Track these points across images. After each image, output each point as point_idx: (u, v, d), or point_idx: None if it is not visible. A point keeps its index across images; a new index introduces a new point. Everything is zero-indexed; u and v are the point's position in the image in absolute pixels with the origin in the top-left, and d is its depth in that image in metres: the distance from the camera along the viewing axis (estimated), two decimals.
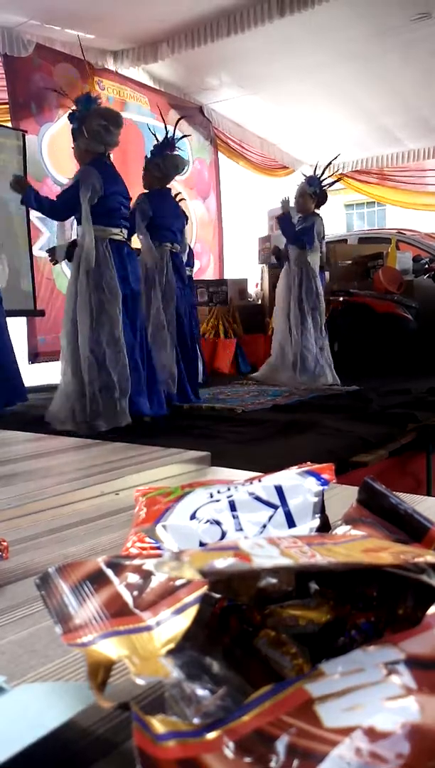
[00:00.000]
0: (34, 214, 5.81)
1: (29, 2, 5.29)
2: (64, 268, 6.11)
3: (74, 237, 3.50)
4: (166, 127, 4.27)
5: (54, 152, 6.05)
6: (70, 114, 3.33)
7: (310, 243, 4.78)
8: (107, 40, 6.35)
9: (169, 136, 4.20)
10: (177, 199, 4.56)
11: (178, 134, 4.29)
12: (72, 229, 3.64)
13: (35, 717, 0.40)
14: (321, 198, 4.91)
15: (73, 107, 3.36)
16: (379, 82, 6.80)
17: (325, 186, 4.91)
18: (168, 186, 4.18)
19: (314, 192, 4.88)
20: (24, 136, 5.58)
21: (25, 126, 5.77)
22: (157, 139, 4.29)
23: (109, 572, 0.48)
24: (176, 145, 4.33)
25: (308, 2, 5.27)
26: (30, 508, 1.09)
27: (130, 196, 3.48)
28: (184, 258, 4.35)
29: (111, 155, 3.46)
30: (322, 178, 4.91)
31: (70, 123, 3.30)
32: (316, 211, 4.96)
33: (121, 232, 3.31)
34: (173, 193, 4.79)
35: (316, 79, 6.72)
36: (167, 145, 4.16)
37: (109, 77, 6.64)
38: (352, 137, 8.21)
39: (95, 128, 3.22)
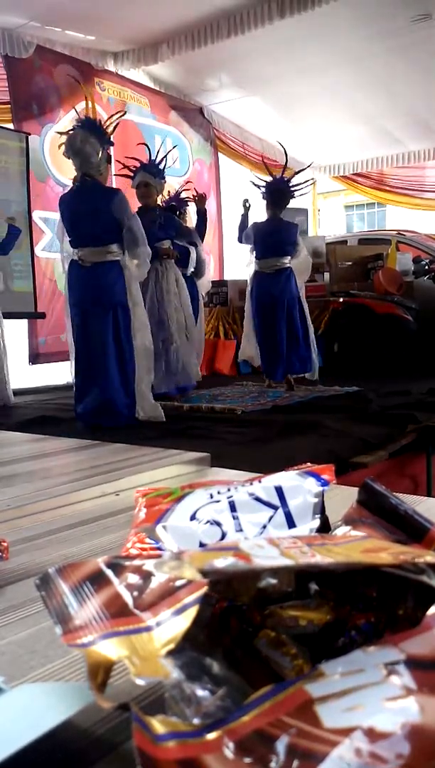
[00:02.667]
0: (37, 215, 5.82)
1: (29, 4, 5.30)
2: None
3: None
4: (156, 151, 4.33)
5: (55, 153, 6.05)
6: (105, 140, 3.39)
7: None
8: (107, 42, 6.36)
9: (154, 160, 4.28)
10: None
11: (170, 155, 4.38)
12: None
13: (35, 717, 0.40)
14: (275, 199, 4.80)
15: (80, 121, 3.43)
16: (379, 84, 6.80)
17: (293, 190, 4.81)
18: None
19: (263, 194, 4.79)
20: (27, 139, 5.59)
21: (27, 127, 5.77)
22: (149, 155, 4.33)
23: (109, 573, 0.48)
24: (176, 148, 4.40)
25: (308, 4, 5.27)
26: (30, 508, 1.09)
27: None
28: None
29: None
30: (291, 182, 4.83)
31: (104, 145, 3.35)
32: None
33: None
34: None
35: (317, 81, 6.73)
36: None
37: (109, 78, 6.64)
38: (352, 138, 8.22)
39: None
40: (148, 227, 3.54)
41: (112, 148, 3.55)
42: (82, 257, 3.36)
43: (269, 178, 4.77)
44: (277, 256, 4.65)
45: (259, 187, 4.77)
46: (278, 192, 4.68)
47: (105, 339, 3.34)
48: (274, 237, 4.65)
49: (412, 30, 5.69)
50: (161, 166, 4.29)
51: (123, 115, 3.93)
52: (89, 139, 3.32)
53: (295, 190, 4.73)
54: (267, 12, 5.53)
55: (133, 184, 4.23)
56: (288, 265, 4.67)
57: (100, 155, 3.32)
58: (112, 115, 3.58)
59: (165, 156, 4.30)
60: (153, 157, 4.31)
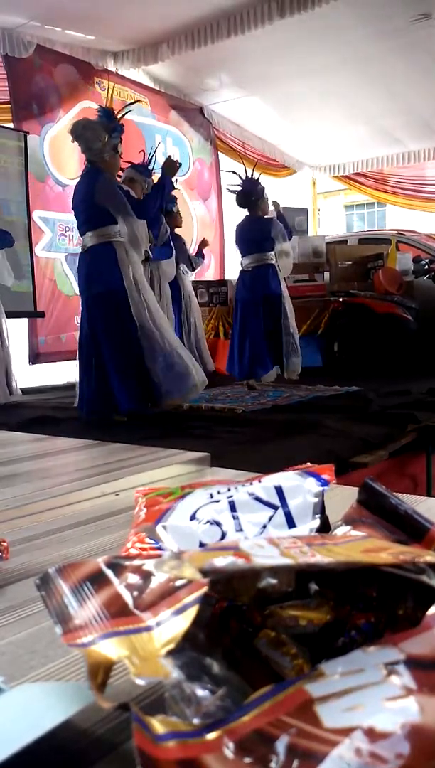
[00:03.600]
0: (37, 215, 5.82)
1: (29, 3, 5.29)
2: (66, 269, 6.13)
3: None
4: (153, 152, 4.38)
5: (55, 152, 6.06)
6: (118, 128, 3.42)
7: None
8: (107, 41, 6.35)
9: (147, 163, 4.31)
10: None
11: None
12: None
13: (34, 717, 0.40)
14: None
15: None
16: (379, 84, 6.80)
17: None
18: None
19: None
20: (26, 137, 5.59)
21: (27, 126, 5.77)
22: (143, 158, 4.35)
23: (109, 573, 0.48)
24: (174, 146, 4.41)
25: (308, 4, 5.27)
26: (30, 508, 1.09)
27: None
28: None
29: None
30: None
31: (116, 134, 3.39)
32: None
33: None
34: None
35: (317, 80, 6.72)
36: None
37: (109, 78, 6.64)
38: (352, 138, 8.22)
39: None
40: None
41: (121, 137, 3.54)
42: (82, 244, 3.48)
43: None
44: (255, 253, 4.69)
45: (234, 192, 4.85)
46: (242, 193, 4.77)
47: (95, 325, 3.40)
48: (249, 234, 4.73)
49: (411, 30, 5.69)
50: (150, 166, 4.32)
51: (135, 102, 4.01)
52: (92, 125, 3.40)
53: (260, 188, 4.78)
54: (267, 12, 5.52)
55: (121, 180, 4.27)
56: (270, 261, 4.69)
57: (103, 142, 3.34)
58: (126, 105, 3.64)
59: (152, 155, 4.36)
60: (149, 159, 4.34)
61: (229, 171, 5.04)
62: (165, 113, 7.40)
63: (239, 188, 4.79)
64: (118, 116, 3.51)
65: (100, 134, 3.35)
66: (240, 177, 4.78)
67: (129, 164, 4.27)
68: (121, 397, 3.39)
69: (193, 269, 5.68)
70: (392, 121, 7.73)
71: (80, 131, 3.38)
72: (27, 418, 3.59)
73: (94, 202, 3.33)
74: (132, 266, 3.39)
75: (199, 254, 5.75)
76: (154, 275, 4.35)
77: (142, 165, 4.33)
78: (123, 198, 3.35)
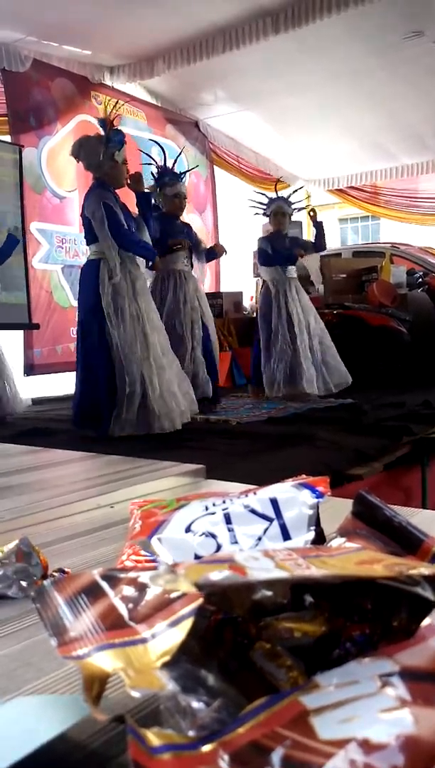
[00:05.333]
0: (34, 227, 5.84)
1: (27, 19, 5.34)
2: (63, 281, 6.14)
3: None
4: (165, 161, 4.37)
5: (53, 165, 6.09)
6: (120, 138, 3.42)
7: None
8: (104, 56, 6.41)
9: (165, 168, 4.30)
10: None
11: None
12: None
13: (29, 730, 0.40)
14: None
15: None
16: (373, 99, 6.87)
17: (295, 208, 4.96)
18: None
19: (291, 213, 4.95)
20: (21, 150, 5.62)
21: (24, 139, 5.80)
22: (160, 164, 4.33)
23: (105, 585, 0.48)
24: (170, 159, 4.43)
25: (302, 20, 5.33)
26: (24, 521, 1.09)
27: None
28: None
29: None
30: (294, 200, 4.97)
31: (112, 143, 3.40)
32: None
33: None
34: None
35: (311, 96, 6.79)
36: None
37: (105, 92, 6.70)
38: (346, 152, 8.29)
39: None
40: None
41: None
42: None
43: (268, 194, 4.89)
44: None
45: (262, 204, 4.90)
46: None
47: (82, 341, 3.41)
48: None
49: (404, 46, 5.76)
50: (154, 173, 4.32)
51: (119, 104, 3.96)
52: (88, 140, 3.44)
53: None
54: (262, 28, 5.59)
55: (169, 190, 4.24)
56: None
57: (100, 154, 3.37)
58: (115, 105, 3.65)
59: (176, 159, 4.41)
60: (160, 167, 4.33)
61: (257, 194, 5.07)
62: (161, 127, 7.45)
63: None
64: (114, 124, 3.52)
65: (97, 148, 3.38)
66: (267, 197, 4.91)
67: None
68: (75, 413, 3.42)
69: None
70: (386, 135, 7.80)
71: (77, 150, 3.42)
72: (21, 430, 3.58)
73: (87, 219, 3.37)
74: (114, 286, 3.28)
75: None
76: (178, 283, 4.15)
77: (160, 173, 4.27)
78: (102, 215, 3.26)
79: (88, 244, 3.45)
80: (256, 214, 5.04)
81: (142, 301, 3.38)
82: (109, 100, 4.93)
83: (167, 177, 4.23)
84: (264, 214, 4.96)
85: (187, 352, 3.98)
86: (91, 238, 3.38)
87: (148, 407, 3.24)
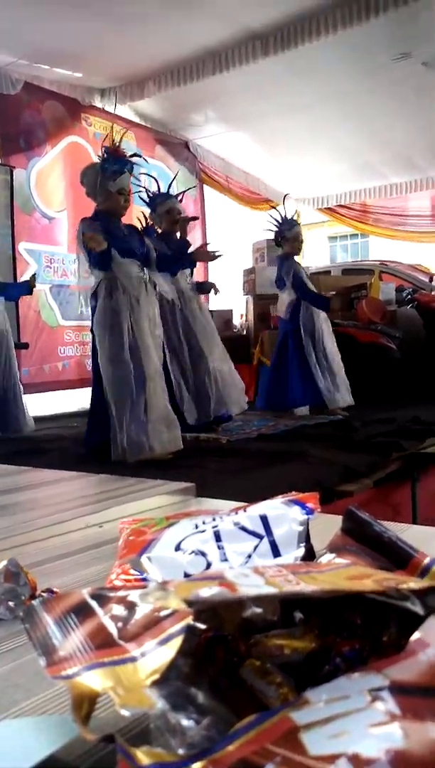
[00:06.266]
0: (22, 247, 5.86)
1: (18, 42, 5.40)
2: (51, 301, 6.15)
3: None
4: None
5: (42, 186, 6.13)
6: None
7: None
8: (95, 79, 6.48)
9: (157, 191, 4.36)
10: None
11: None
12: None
13: (19, 751, 0.39)
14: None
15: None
16: (362, 119, 6.97)
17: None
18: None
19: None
20: (12, 172, 5.65)
21: (14, 160, 5.84)
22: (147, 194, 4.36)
23: (94, 604, 0.48)
24: (160, 179, 4.49)
25: (291, 43, 5.42)
26: (14, 540, 1.08)
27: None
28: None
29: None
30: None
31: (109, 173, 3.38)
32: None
33: None
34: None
35: (300, 117, 6.88)
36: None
37: (96, 114, 6.76)
38: (335, 171, 8.39)
39: None
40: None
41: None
42: None
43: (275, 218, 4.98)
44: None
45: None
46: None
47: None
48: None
49: (393, 68, 5.86)
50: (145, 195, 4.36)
51: (124, 133, 4.01)
52: (87, 170, 3.45)
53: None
54: (251, 50, 5.67)
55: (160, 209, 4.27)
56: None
57: (94, 184, 3.36)
58: (109, 135, 3.66)
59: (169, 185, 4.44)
60: (149, 192, 4.36)
61: (270, 216, 5.10)
62: (150, 148, 7.52)
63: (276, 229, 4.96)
64: (114, 149, 3.52)
65: (91, 178, 3.37)
66: (276, 219, 4.95)
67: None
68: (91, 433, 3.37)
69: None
70: (374, 154, 7.91)
71: (82, 179, 3.45)
72: (11, 449, 3.56)
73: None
74: (116, 305, 3.25)
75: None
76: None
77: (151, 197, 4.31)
78: (84, 245, 3.23)
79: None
80: (273, 242, 5.09)
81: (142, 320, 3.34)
82: (110, 128, 4.97)
83: (158, 198, 4.28)
84: (281, 237, 4.96)
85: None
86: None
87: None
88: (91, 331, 3.40)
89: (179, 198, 4.17)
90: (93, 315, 3.33)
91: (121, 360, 3.18)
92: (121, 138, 3.57)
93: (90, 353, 3.56)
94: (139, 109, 7.22)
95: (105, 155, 3.44)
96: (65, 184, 6.18)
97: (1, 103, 5.81)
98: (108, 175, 3.36)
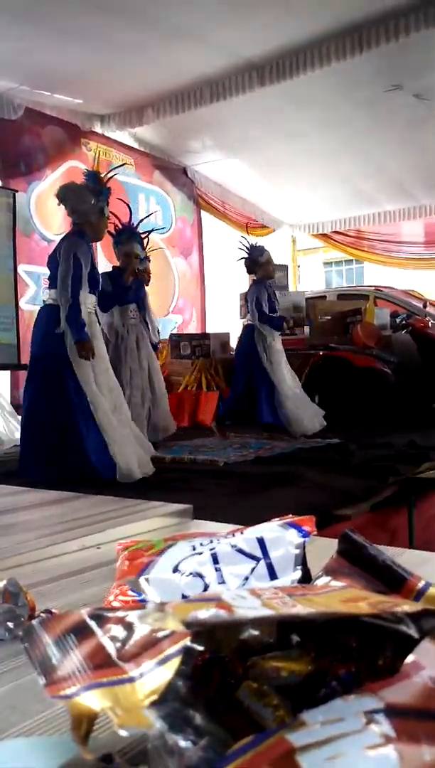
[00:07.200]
0: (22, 269, 5.91)
1: (20, 69, 5.50)
2: None
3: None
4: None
5: (41, 209, 6.20)
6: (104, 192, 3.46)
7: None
8: (95, 105, 6.59)
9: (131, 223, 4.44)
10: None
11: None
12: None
13: None
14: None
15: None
16: (356, 148, 7.10)
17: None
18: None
19: None
20: (14, 195, 5.72)
21: (14, 184, 5.92)
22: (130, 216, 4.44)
23: (93, 624, 0.48)
24: (157, 205, 4.56)
25: (287, 73, 5.54)
26: (10, 562, 1.08)
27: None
28: None
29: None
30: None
31: (103, 197, 3.45)
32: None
33: None
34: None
35: (295, 144, 7.01)
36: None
37: (95, 139, 6.86)
38: (330, 198, 8.51)
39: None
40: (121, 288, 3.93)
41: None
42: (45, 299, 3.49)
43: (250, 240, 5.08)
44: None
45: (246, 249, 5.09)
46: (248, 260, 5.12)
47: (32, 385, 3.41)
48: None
49: (385, 99, 5.99)
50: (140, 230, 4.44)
51: (121, 165, 4.08)
52: (78, 188, 3.44)
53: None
54: (248, 80, 5.79)
55: (121, 248, 4.29)
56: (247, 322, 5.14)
57: (89, 205, 3.38)
58: (115, 167, 3.71)
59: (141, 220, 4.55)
60: (133, 220, 4.44)
61: (241, 243, 5.20)
62: (149, 173, 7.62)
63: (247, 256, 5.08)
64: (105, 179, 3.57)
65: (86, 197, 3.37)
66: (246, 247, 5.06)
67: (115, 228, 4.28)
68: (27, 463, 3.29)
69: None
70: (368, 182, 8.03)
71: (66, 194, 3.41)
72: (6, 470, 3.54)
73: (56, 265, 3.31)
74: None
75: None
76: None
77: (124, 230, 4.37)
78: (69, 269, 3.23)
79: (52, 287, 3.35)
80: (241, 259, 5.16)
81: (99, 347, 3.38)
82: (98, 149, 5.05)
83: (124, 235, 4.31)
84: (254, 263, 5.06)
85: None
86: (53, 282, 3.33)
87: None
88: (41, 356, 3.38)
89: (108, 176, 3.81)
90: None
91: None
92: (98, 157, 3.66)
93: None
94: (137, 136, 7.33)
95: (99, 178, 3.49)
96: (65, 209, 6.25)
97: (3, 128, 5.89)
98: (104, 197, 3.43)
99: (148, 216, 4.83)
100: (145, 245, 4.54)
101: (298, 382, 5.07)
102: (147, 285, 4.82)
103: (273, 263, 5.20)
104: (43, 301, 3.56)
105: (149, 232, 4.70)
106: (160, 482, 3.08)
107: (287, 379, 4.97)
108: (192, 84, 6.04)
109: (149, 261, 4.87)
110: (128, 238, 4.31)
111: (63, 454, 3.21)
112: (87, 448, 3.17)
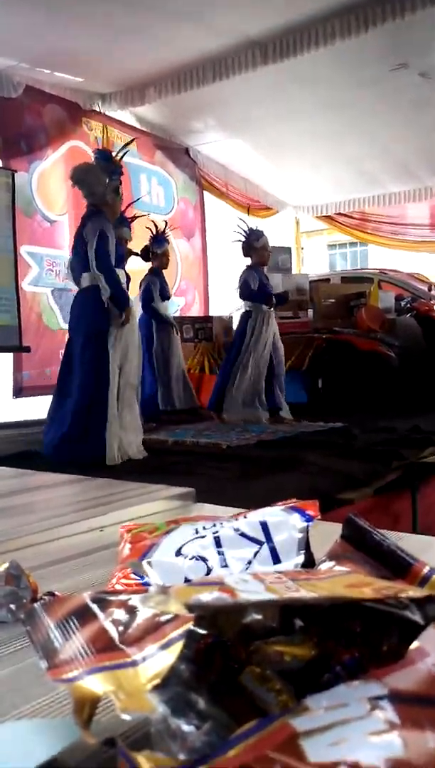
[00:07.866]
0: (24, 250, 5.88)
1: (19, 47, 5.43)
2: (52, 304, 6.16)
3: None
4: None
5: (43, 189, 6.14)
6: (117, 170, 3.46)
7: None
8: (96, 84, 6.50)
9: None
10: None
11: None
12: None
13: (20, 754, 0.39)
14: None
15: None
16: (360, 128, 7.01)
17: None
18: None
19: None
20: (13, 175, 5.67)
21: (15, 164, 5.86)
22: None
23: (95, 607, 0.48)
24: (160, 185, 4.54)
25: (290, 51, 5.45)
26: (13, 544, 1.08)
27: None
28: None
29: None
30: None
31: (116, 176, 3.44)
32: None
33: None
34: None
35: (299, 124, 6.92)
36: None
37: (96, 118, 6.79)
38: (334, 179, 8.42)
39: None
40: None
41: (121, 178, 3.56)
42: (80, 285, 3.48)
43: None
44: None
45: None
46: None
47: (73, 366, 3.42)
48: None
49: (390, 78, 5.90)
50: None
51: (131, 142, 4.06)
52: (93, 169, 3.42)
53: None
54: (251, 58, 5.70)
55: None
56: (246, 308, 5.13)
57: (104, 185, 3.36)
58: (125, 145, 3.68)
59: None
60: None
61: (238, 226, 5.15)
62: (150, 153, 7.54)
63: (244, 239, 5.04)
64: (117, 157, 3.54)
65: (101, 178, 3.35)
66: (244, 230, 5.02)
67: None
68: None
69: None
70: (373, 163, 7.95)
71: (82, 176, 3.38)
72: (9, 452, 3.55)
73: (84, 246, 3.32)
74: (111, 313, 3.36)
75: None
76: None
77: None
78: (100, 245, 3.28)
79: (84, 272, 3.38)
80: (237, 241, 5.11)
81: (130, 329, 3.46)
82: (106, 130, 5.00)
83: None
84: (249, 247, 5.02)
85: None
86: (87, 265, 3.35)
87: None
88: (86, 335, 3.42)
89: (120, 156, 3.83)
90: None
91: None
92: (106, 136, 3.64)
93: None
94: (139, 115, 7.24)
95: (111, 156, 3.47)
96: (67, 188, 6.20)
97: (3, 107, 5.82)
98: (117, 176, 3.42)
99: (138, 200, 4.75)
100: (159, 230, 4.53)
101: (262, 378, 5.00)
102: (165, 269, 4.84)
103: (269, 249, 5.12)
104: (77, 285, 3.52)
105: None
106: (162, 465, 3.08)
107: (249, 368, 4.96)
108: (194, 62, 5.95)
109: (168, 243, 4.86)
110: (118, 222, 4.31)
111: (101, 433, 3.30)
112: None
